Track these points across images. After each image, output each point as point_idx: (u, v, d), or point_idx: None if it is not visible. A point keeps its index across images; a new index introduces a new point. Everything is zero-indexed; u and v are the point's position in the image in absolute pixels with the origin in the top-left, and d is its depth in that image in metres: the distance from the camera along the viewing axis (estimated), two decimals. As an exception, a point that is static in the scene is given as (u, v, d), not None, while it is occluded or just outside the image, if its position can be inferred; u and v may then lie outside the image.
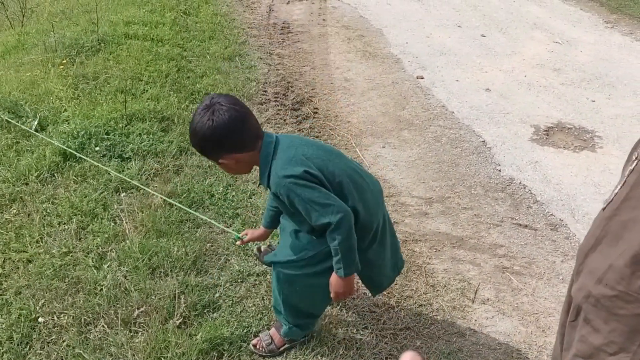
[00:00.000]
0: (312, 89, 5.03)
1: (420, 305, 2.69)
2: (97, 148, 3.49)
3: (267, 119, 4.35)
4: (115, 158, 3.50)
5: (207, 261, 2.79)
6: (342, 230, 1.82)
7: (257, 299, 2.57)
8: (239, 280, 2.67)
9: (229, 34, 6.08)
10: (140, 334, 2.29)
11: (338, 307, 2.59)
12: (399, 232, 3.19)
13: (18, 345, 2.24)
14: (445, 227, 3.27)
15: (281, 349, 2.33)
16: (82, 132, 3.62)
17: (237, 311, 2.51)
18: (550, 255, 3.11)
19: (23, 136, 3.74)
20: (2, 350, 2.21)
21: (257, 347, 2.33)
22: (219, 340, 2.30)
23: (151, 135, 3.72)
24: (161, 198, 3.09)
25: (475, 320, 2.64)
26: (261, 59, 5.58)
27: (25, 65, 4.94)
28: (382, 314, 2.60)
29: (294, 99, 4.77)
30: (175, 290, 2.51)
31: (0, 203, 3.11)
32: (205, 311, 2.48)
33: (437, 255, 3.04)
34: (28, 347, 2.25)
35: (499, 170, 3.86)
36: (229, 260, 2.80)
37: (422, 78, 5.28)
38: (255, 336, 2.37)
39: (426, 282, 2.84)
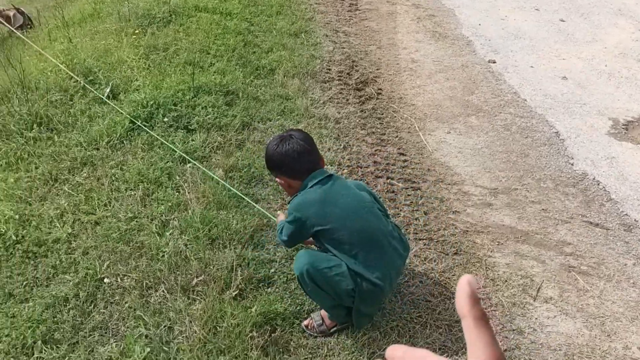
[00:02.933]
0: (377, 69, 4.93)
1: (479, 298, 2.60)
2: (164, 119, 3.57)
3: (330, 98, 4.30)
4: (182, 129, 3.57)
5: (264, 236, 2.81)
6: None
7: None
8: (293, 258, 2.67)
9: (296, 10, 6.04)
10: (197, 301, 2.35)
11: (393, 294, 2.55)
12: (460, 221, 3.10)
13: (83, 303, 2.35)
14: (510, 220, 3.14)
15: (332, 330, 2.34)
16: (151, 102, 3.71)
17: (291, 288, 2.52)
18: (622, 257, 2.93)
19: (96, 102, 3.88)
20: (68, 307, 2.32)
21: (309, 327, 2.34)
22: (272, 315, 2.32)
23: (216, 109, 3.77)
24: (218, 177, 3.13)
25: (536, 318, 2.54)
26: (327, 36, 5.51)
27: (100, 33, 5.11)
28: (438, 305, 2.54)
29: (357, 78, 4.70)
30: (232, 263, 2.55)
31: (72, 166, 3.25)
32: (260, 285, 2.51)
33: (499, 248, 2.93)
34: (92, 305, 2.35)
35: (572, 164, 3.66)
36: (286, 237, 2.80)
37: (494, 62, 5.06)
38: (307, 315, 2.38)
39: (486, 276, 2.75)
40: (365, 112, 4.20)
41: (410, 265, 2.74)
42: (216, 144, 3.47)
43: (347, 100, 4.33)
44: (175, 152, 3.29)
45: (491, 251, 2.91)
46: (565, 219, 3.16)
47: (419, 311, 2.49)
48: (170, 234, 2.73)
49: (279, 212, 2.70)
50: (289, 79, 4.44)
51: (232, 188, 3.03)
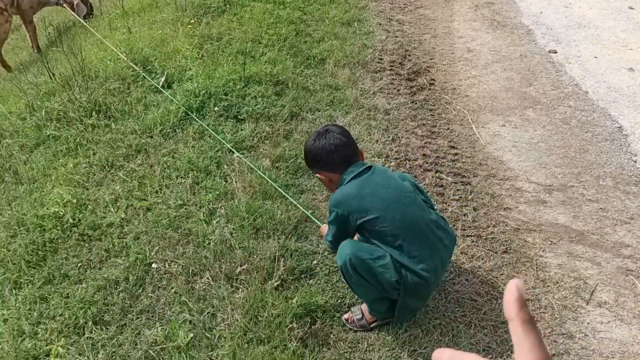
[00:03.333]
0: (431, 59, 4.82)
1: (527, 299, 2.50)
2: (215, 108, 3.63)
3: (380, 88, 4.24)
4: (231, 118, 3.62)
5: (308, 228, 2.82)
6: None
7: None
8: (338, 250, 2.67)
9: (350, -2, 5.97)
10: (240, 290, 2.38)
11: (436, 292, 2.50)
12: (511, 218, 3.00)
13: (133, 286, 2.44)
14: (565, 219, 3.00)
15: (372, 325, 2.32)
16: (203, 92, 3.78)
17: (333, 281, 2.51)
18: (687, 262, 2.75)
19: (151, 91, 3.99)
20: (119, 289, 2.42)
21: (349, 321, 2.33)
22: (313, 307, 2.33)
23: (265, 99, 3.79)
24: (262, 169, 3.15)
25: (588, 323, 2.42)
26: (380, 24, 5.43)
27: (157, 23, 5.24)
28: (484, 304, 2.47)
29: (410, 68, 4.61)
30: (275, 253, 2.57)
31: (127, 153, 3.36)
32: (302, 276, 2.52)
33: (551, 248, 2.82)
34: (141, 289, 2.44)
35: (635, 162, 3.46)
36: (330, 228, 2.80)
37: (555, 52, 4.83)
38: (348, 309, 2.37)
39: (536, 276, 2.64)
40: (416, 103, 4.12)
41: (456, 263, 2.67)
42: (264, 133, 3.49)
43: (398, 90, 4.26)
44: (222, 145, 3.34)
45: (543, 251, 2.80)
46: (624, 220, 2.99)
47: (463, 310, 2.44)
48: (216, 222, 2.78)
49: (321, 225, 2.67)
50: (339, 69, 4.41)
51: (272, 183, 3.04)
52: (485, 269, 2.64)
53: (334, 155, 2.21)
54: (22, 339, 2.25)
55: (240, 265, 2.50)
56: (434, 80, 4.47)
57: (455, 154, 3.54)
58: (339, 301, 2.42)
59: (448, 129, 3.83)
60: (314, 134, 2.28)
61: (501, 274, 2.62)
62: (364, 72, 4.45)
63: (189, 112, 3.59)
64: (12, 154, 3.56)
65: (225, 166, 3.18)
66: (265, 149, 3.37)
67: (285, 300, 2.33)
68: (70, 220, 2.83)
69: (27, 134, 3.70)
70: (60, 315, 2.32)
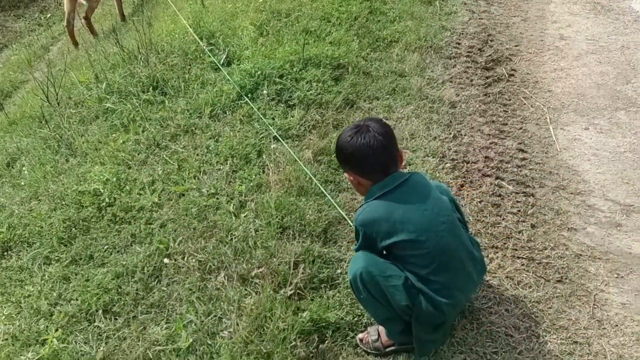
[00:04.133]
0: (516, 46, 4.33)
1: (575, 342, 2.16)
2: (265, 92, 3.48)
3: (451, 77, 3.87)
4: (282, 103, 3.46)
5: (340, 231, 2.62)
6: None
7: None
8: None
9: (437, -26, 5.51)
10: (251, 296, 2.26)
11: (467, 319, 2.22)
12: (574, 241, 2.61)
13: (148, 277, 2.39)
14: (640, 249, 2.56)
15: (387, 349, 2.11)
16: (259, 73, 3.64)
17: (354, 295, 2.30)
18: None
19: (212, 68, 3.92)
20: (135, 279, 2.38)
21: (364, 342, 2.13)
22: (324, 324, 2.15)
23: (321, 84, 3.58)
24: (300, 162, 2.97)
25: (647, 382, 2.04)
26: (465, 4, 4.97)
27: (232, -5, 5.15)
28: (521, 342, 2.16)
29: (489, 55, 4.16)
30: (297, 257, 2.40)
31: (175, 132, 3.33)
32: (321, 286, 2.34)
33: (617, 282, 2.41)
34: (156, 281, 2.39)
35: None
36: (362, 234, 2.58)
37: (666, 44, 4.15)
38: (364, 329, 2.17)
39: (592, 315, 2.27)
40: (489, 96, 3.71)
41: (498, 289, 2.36)
42: (313, 122, 3.30)
43: (471, 81, 3.87)
44: (267, 130, 3.20)
45: (606, 284, 2.40)
46: None
47: (495, 346, 2.14)
48: (244, 216, 2.66)
49: None
50: (409, 53, 4.08)
51: (311, 175, 2.86)
52: (532, 300, 2.31)
53: (369, 159, 1.93)
54: (38, 319, 2.29)
55: (258, 267, 2.37)
56: (514, 70, 4.01)
57: (523, 159, 3.15)
58: (356, 319, 2.22)
59: (521, 128, 3.41)
60: (351, 129, 1.97)
61: (549, 308, 2.28)
62: (435, 58, 4.09)
63: (242, 94, 3.47)
64: (72, 124, 3.67)
65: (264, 156, 3.03)
66: (311, 139, 3.18)
67: (294, 312, 2.17)
68: (107, 200, 2.85)
69: (89, 105, 3.78)
70: (76, 299, 2.33)
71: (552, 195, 2.88)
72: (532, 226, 2.69)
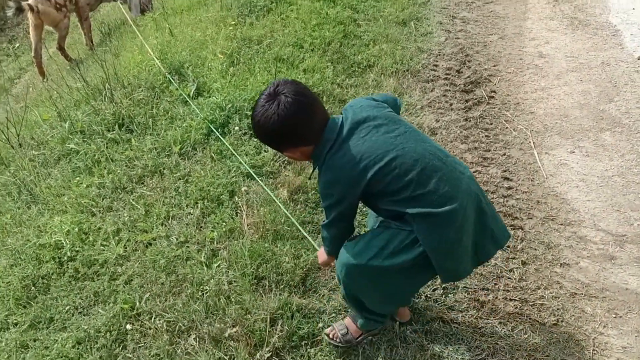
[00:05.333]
0: (494, 65, 4.23)
1: (577, 394, 2.01)
2: (236, 127, 3.32)
3: (430, 102, 3.74)
4: (255, 138, 3.29)
5: (320, 277, 2.44)
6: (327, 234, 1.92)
7: (364, 342, 2.15)
8: (346, 310, 2.28)
9: (411, -7, 5.43)
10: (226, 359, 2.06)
11: (440, 335, 2.05)
12: (568, 278, 2.47)
13: (112, 343, 2.19)
14: (637, 284, 2.43)
15: (359, 338, 2.11)
16: (230, 105, 3.48)
17: (339, 352, 2.13)
18: None
19: (180, 102, 3.74)
20: (97, 345, 2.18)
21: (331, 336, 2.11)
22: (305, 391, 1.97)
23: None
24: (278, 200, 2.80)
25: None
26: (441, 23, 4.88)
27: (201, 22, 5.01)
28: (519, 398, 1.99)
29: (468, 77, 4.05)
30: (274, 312, 2.22)
31: (142, 174, 3.14)
32: (302, 344, 2.16)
33: (616, 323, 2.27)
34: (121, 346, 2.18)
35: None
36: (344, 281, 2.41)
37: (646, 60, 4.09)
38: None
39: (592, 361, 2.12)
40: (470, 120, 3.59)
41: (492, 337, 2.20)
42: (286, 158, 3.13)
43: (451, 105, 3.74)
44: (242, 165, 3.03)
45: (604, 326, 2.26)
46: None
47: (491, 402, 1.98)
48: (217, 267, 2.47)
49: (318, 250, 2.23)
50: (385, 78, 3.95)
51: (289, 215, 2.68)
52: (527, 348, 2.15)
53: (303, 127, 1.71)
54: (-11, 398, 2.07)
55: (232, 327, 2.18)
56: (494, 92, 3.90)
57: (509, 188, 3.01)
58: (340, 381, 2.04)
59: (504, 154, 3.28)
60: (264, 105, 1.69)
61: (546, 356, 2.12)
62: (413, 82, 3.97)
63: (212, 128, 3.29)
64: (34, 167, 3.45)
65: (237, 197, 2.86)
66: (287, 175, 3.02)
67: (272, 380, 1.98)
68: (68, 253, 2.64)
69: (52, 146, 3.58)
70: (34, 372, 2.12)
71: (542, 227, 2.75)
72: (523, 263, 2.54)
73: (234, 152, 3.15)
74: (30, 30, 6.09)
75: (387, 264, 1.73)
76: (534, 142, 3.37)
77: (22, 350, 2.26)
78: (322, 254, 2.12)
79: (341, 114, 1.81)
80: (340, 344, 2.10)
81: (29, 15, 5.87)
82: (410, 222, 1.71)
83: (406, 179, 1.67)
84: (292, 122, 1.69)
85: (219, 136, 3.27)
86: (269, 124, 1.69)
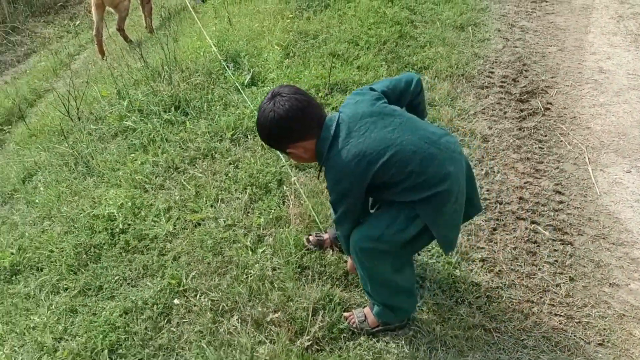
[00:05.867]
0: (552, 77, 4.14)
1: (619, 417, 1.96)
2: (289, 117, 3.35)
3: (484, 108, 3.70)
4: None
5: (363, 274, 2.45)
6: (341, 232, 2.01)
7: (403, 341, 2.16)
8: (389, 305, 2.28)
9: (470, -2, 5.37)
10: (265, 344, 2.10)
11: (500, 385, 2.03)
12: (617, 299, 2.40)
13: (158, 315, 2.25)
14: (691, 312, 2.35)
15: (374, 330, 2.18)
16: (283, 96, 3.51)
17: (377, 348, 2.14)
18: None
19: (235, 89, 3.81)
20: (143, 316, 2.25)
21: (350, 321, 2.20)
22: (343, 382, 1.99)
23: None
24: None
25: None
26: (499, 31, 4.80)
27: (260, 14, 5.07)
28: (558, 414, 1.96)
29: (524, 86, 3.98)
30: (316, 302, 2.25)
31: (194, 155, 3.21)
32: (341, 336, 2.18)
33: (665, 350, 2.20)
34: (166, 320, 2.25)
35: None
36: (387, 279, 2.41)
37: None
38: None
39: (637, 386, 2.07)
40: (523, 130, 3.53)
41: (534, 350, 2.17)
42: (338, 152, 3.15)
43: (505, 113, 3.69)
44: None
45: (653, 352, 2.19)
46: None
47: (530, 416, 1.95)
48: (262, 252, 2.52)
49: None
50: (439, 82, 3.92)
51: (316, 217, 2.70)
52: (570, 365, 2.11)
53: (304, 120, 1.82)
54: (40, 356, 2.16)
55: (274, 312, 2.22)
56: (550, 104, 3.82)
57: (561, 202, 2.95)
58: (377, 376, 2.05)
59: (557, 168, 3.22)
60: (264, 107, 1.82)
61: (590, 377, 2.08)
62: (467, 87, 3.93)
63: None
64: (91, 141, 3.58)
65: (285, 186, 2.89)
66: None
67: (311, 368, 2.01)
68: (120, 226, 2.73)
69: (109, 122, 3.70)
70: (82, 335, 2.20)
71: (592, 245, 2.68)
72: (571, 279, 2.49)
73: (278, 152, 3.18)
74: (92, 10, 6.29)
75: (397, 238, 1.88)
76: (589, 158, 3.29)
77: (71, 314, 2.35)
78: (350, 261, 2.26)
79: (339, 112, 1.90)
80: (356, 330, 2.18)
81: (92, -6, 6.06)
82: (411, 205, 1.85)
83: (407, 170, 1.79)
84: (289, 117, 1.78)
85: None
86: (267, 121, 1.81)
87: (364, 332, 2.18)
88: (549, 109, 3.77)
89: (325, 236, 2.54)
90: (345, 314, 2.23)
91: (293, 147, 1.88)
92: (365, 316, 2.18)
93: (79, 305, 2.37)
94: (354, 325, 2.19)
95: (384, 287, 2.04)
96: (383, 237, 1.87)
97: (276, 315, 2.20)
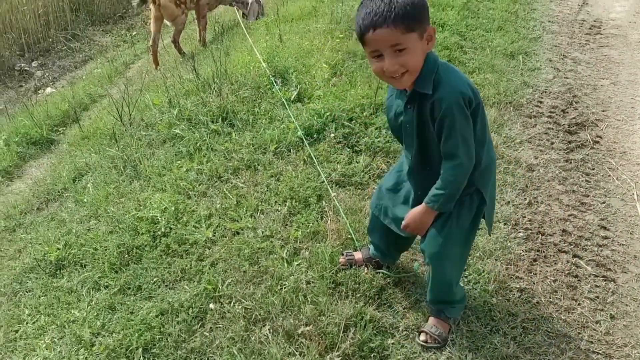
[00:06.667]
0: (603, 111, 4.05)
1: None
2: (332, 135, 3.39)
3: (530, 137, 3.65)
4: (348, 148, 3.36)
5: (396, 295, 2.44)
6: (461, 172, 1.85)
7: (433, 365, 2.13)
8: (418, 330, 2.26)
9: (522, 27, 5.35)
10: (295, 357, 2.11)
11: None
12: (660, 342, 2.30)
13: (192, 319, 2.30)
14: None
15: (449, 333, 2.23)
16: (328, 113, 3.57)
17: (408, 368, 2.12)
18: None
19: (281, 104, 3.89)
20: (178, 319, 2.29)
21: (429, 341, 2.18)
22: (370, 401, 1.97)
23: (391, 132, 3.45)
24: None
25: None
26: (550, 61, 4.75)
27: (310, 32, 5.17)
28: None
29: (573, 118, 3.91)
30: (348, 318, 2.24)
31: (238, 166, 3.28)
32: (371, 355, 2.16)
33: None
34: (200, 324, 2.29)
35: None
36: (420, 301, 2.40)
37: None
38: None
39: None
40: (571, 162, 3.46)
41: (568, 386, 2.10)
42: (378, 171, 3.17)
43: (552, 144, 3.63)
44: (330, 174, 3.09)
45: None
46: None
47: None
48: (297, 265, 2.54)
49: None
50: (486, 108, 3.89)
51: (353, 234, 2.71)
52: (607, 406, 2.04)
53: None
54: (78, 349, 2.23)
55: (305, 325, 2.23)
56: (600, 137, 3.73)
57: (605, 238, 2.87)
58: (405, 399, 2.02)
59: (604, 202, 3.13)
60: None
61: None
62: (514, 115, 3.89)
63: (302, 136, 3.39)
64: (140, 146, 3.71)
65: (324, 202, 2.92)
66: (375, 188, 3.04)
67: (339, 384, 2.00)
68: (162, 229, 2.81)
69: (159, 129, 3.83)
70: (119, 332, 2.27)
71: (636, 284, 2.59)
72: (612, 317, 2.41)
73: (315, 160, 3.20)
74: (151, 21, 6.56)
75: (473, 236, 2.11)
76: (637, 195, 3.19)
77: (110, 311, 2.42)
78: (423, 213, 1.97)
79: None
80: (441, 343, 2.17)
81: (151, 7, 6.33)
82: (472, 174, 1.88)
83: (486, 120, 1.92)
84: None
85: (307, 146, 3.34)
86: None
87: (444, 340, 2.18)
88: (598, 142, 3.68)
89: (357, 256, 2.54)
90: (420, 339, 2.19)
91: (429, 30, 1.71)
92: (436, 326, 2.20)
93: (118, 303, 2.45)
94: (436, 342, 2.17)
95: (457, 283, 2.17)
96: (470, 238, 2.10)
97: (307, 328, 2.21)
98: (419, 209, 1.98)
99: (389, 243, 2.39)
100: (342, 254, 2.55)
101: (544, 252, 2.74)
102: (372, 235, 2.44)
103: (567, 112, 4.00)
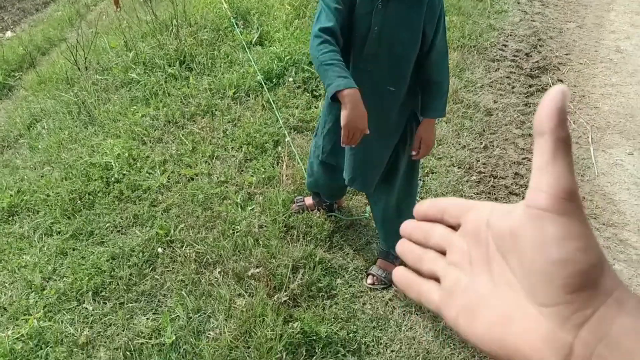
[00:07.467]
0: (566, 54, 4.04)
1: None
2: (291, 79, 3.34)
3: (492, 81, 3.64)
4: (307, 92, 3.32)
5: (347, 237, 2.48)
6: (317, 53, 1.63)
7: (379, 304, 2.19)
8: (367, 268, 2.31)
9: (492, -32, 5.21)
10: (244, 297, 2.15)
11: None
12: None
13: (143, 263, 2.31)
14: (672, 297, 2.34)
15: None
16: (288, 57, 3.50)
17: (352, 308, 2.18)
18: None
19: (241, 48, 3.79)
20: (129, 264, 2.31)
21: (376, 283, 2.25)
22: (315, 337, 2.03)
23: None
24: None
25: None
26: (518, 3, 4.68)
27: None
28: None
29: (537, 62, 3.90)
30: (298, 261, 2.28)
31: (195, 112, 3.23)
32: (319, 295, 2.22)
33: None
34: (151, 268, 2.31)
35: None
36: (370, 243, 2.44)
37: None
38: (358, 349, 2.04)
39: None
40: (529, 106, 3.47)
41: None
42: (336, 116, 3.14)
43: (513, 88, 3.63)
44: (288, 120, 3.06)
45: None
46: None
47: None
48: (250, 210, 2.55)
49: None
50: (450, 52, 3.84)
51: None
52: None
53: None
54: (29, 293, 2.24)
55: (256, 267, 2.26)
56: (561, 81, 3.74)
57: (556, 180, 2.92)
58: (350, 335, 2.09)
59: (558, 145, 3.17)
60: None
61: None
62: (478, 59, 3.86)
63: (262, 80, 3.33)
64: (96, 91, 3.61)
65: (280, 148, 2.91)
66: (333, 134, 3.03)
67: (285, 321, 2.05)
68: (115, 175, 2.78)
69: (115, 73, 3.72)
70: (70, 276, 2.27)
71: (582, 224, 2.67)
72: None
73: (274, 106, 3.18)
74: (111, -40, 6.24)
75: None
76: (592, 138, 3.24)
77: (61, 256, 2.42)
78: (430, 128, 1.89)
79: None
80: (387, 284, 2.24)
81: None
82: None
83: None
84: None
85: (266, 92, 3.30)
86: None
87: (390, 281, 2.22)
88: (558, 86, 3.69)
89: (308, 201, 2.56)
90: (367, 281, 2.26)
91: None
92: (382, 268, 2.26)
93: (70, 248, 2.44)
94: (383, 283, 2.24)
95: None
96: None
97: (257, 270, 2.24)
98: (425, 126, 1.87)
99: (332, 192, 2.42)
100: (293, 202, 2.56)
101: (495, 194, 2.79)
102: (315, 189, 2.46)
103: (531, 56, 3.98)
